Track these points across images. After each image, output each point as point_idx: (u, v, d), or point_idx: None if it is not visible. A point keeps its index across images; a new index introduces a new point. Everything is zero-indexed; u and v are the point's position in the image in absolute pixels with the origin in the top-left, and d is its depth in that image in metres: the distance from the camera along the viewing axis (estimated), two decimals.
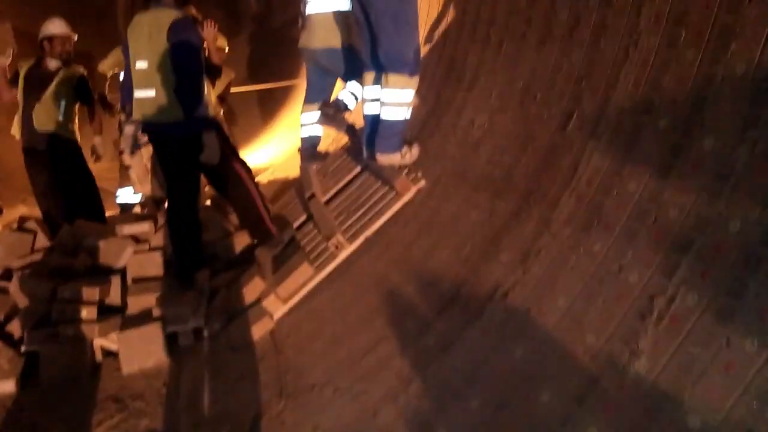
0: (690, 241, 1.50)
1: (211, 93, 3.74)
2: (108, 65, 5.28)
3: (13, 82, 4.64)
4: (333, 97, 4.14)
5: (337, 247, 3.19)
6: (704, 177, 1.53)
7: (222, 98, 5.55)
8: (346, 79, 4.08)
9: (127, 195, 5.46)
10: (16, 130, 4.66)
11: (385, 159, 3.35)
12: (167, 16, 3.17)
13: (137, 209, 5.24)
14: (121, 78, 4.66)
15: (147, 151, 4.69)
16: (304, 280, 3.15)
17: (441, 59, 3.71)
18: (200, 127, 3.22)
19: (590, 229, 1.88)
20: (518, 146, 2.54)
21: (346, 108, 4.16)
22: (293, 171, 5.63)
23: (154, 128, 3.31)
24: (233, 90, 6.51)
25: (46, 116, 4.57)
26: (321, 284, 3.10)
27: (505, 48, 2.96)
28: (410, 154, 3.38)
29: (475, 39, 3.27)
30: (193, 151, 3.25)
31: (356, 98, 4.10)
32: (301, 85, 7.91)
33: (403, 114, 3.26)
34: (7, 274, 3.59)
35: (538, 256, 2.04)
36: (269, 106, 9.89)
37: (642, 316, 1.52)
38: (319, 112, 4.04)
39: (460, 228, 2.60)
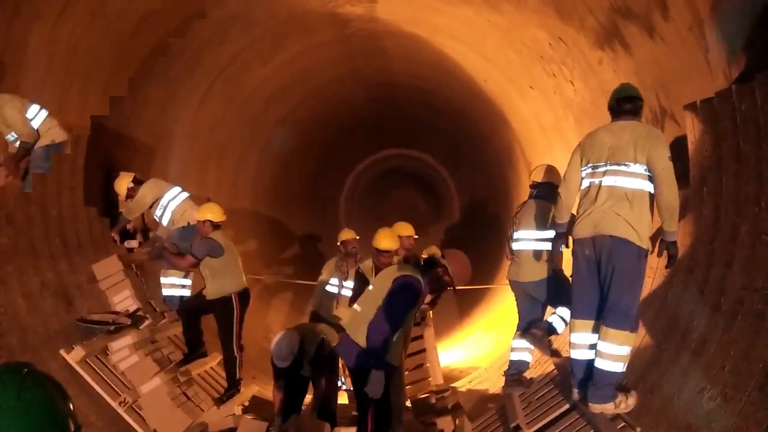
0: None
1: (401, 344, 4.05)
2: None
3: None
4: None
5: None
6: None
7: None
8: (554, 306, 4.34)
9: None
10: None
11: (597, 408, 3.37)
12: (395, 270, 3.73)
13: None
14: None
15: None
16: None
17: (661, 312, 3.76)
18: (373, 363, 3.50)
19: None
20: None
21: (554, 331, 4.35)
22: (493, 384, 5.75)
23: (344, 342, 3.78)
24: None
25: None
26: None
27: (739, 322, 2.96)
28: (626, 404, 3.35)
29: (703, 301, 3.32)
30: (361, 379, 3.56)
31: (564, 322, 4.27)
32: (498, 289, 8.34)
33: (620, 367, 3.32)
34: None
35: None
36: (465, 305, 10.33)
37: None
38: (528, 335, 4.29)
39: None
